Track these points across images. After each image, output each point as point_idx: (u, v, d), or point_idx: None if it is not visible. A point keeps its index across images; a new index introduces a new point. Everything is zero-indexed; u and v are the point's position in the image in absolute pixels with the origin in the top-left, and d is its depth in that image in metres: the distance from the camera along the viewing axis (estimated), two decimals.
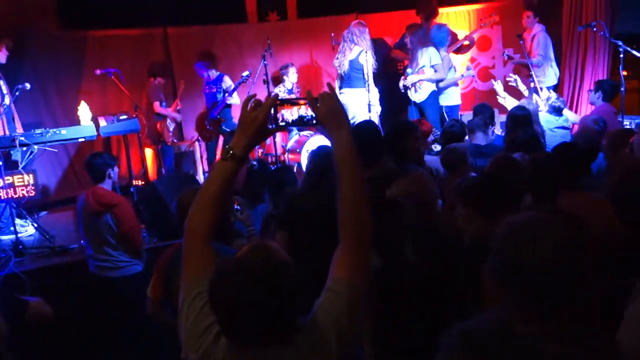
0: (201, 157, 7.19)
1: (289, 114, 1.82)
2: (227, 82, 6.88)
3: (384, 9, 8.15)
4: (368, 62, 6.40)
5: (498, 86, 6.01)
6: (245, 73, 6.74)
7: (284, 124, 1.81)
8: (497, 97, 6.05)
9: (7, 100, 5.68)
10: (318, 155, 3.63)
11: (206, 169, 7.12)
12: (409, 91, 6.82)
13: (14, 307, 2.67)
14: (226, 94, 6.77)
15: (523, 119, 4.66)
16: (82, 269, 4.81)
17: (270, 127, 1.73)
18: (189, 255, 1.63)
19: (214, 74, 6.87)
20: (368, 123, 4.07)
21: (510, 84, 6.33)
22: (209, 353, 1.49)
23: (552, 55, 7.01)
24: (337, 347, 1.46)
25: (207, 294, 1.53)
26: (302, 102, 1.80)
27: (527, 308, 1.36)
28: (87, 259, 4.27)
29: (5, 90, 5.72)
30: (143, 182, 6.53)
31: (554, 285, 1.33)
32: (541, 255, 1.32)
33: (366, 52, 6.40)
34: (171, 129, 6.91)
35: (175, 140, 7.05)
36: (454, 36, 7.41)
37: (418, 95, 6.78)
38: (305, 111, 1.80)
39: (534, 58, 6.81)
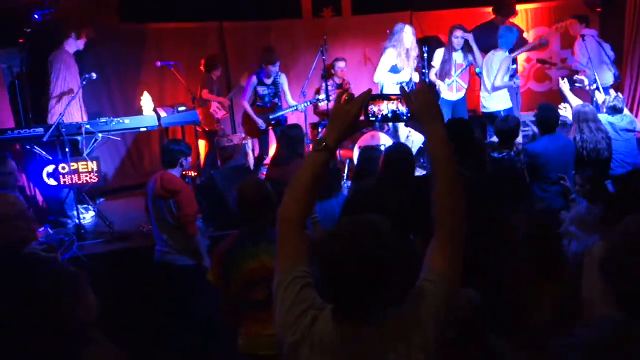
0: (253, 150, 7.27)
1: (379, 108, 1.84)
2: (285, 81, 6.72)
3: (439, 6, 8.09)
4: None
5: (565, 86, 5.89)
6: (322, 97, 6.79)
7: (374, 118, 1.83)
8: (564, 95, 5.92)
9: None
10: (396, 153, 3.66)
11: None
12: (447, 91, 6.72)
13: None
14: (299, 107, 6.68)
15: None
16: (140, 255, 4.96)
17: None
18: (284, 243, 1.67)
19: (273, 71, 6.54)
20: (462, 120, 4.09)
21: (577, 85, 6.22)
22: (305, 336, 1.54)
23: (605, 57, 6.84)
24: (435, 333, 1.51)
25: (303, 279, 1.60)
26: (393, 97, 1.81)
27: None
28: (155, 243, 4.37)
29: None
30: (196, 174, 6.65)
31: None
32: None
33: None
34: (217, 116, 6.96)
35: (223, 127, 7.14)
36: (522, 40, 7.27)
37: (457, 95, 6.72)
38: (397, 106, 1.81)
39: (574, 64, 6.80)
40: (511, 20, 7.29)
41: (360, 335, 1.51)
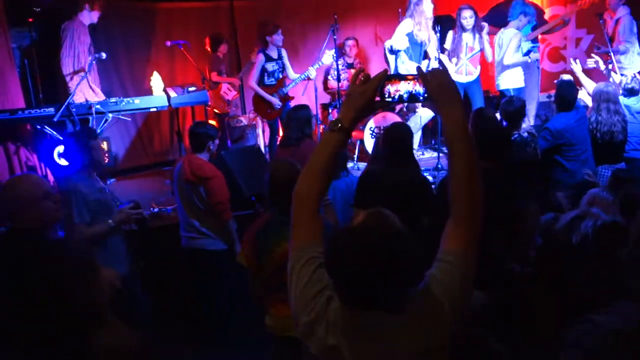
0: (263, 131, 7.23)
1: (395, 88, 1.81)
2: (286, 54, 6.71)
3: None
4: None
5: (577, 67, 5.77)
6: (314, 71, 6.63)
7: (390, 99, 1.80)
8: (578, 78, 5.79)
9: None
10: (396, 132, 3.64)
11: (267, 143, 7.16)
12: (455, 73, 6.56)
13: None
14: (310, 73, 6.57)
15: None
16: (151, 235, 4.97)
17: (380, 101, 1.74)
18: (299, 223, 1.66)
19: (277, 40, 6.51)
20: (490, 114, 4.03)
21: (590, 65, 6.10)
22: (320, 316, 1.54)
23: (636, 39, 6.69)
24: (450, 316, 1.50)
25: (317, 259, 1.58)
26: (410, 77, 1.78)
27: None
28: (180, 231, 4.30)
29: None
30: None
31: None
32: None
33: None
34: (228, 97, 6.92)
35: (234, 109, 7.10)
36: (541, 17, 7.13)
37: (468, 77, 6.58)
38: (413, 87, 1.78)
39: (621, 45, 6.46)
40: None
41: (373, 322, 1.50)
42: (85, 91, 5.80)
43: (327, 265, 1.51)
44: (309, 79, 6.66)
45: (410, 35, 6.40)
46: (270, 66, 6.58)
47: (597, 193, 2.75)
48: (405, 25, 6.42)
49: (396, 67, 6.51)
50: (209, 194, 3.98)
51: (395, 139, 3.56)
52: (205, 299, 4.22)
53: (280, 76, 6.65)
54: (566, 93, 4.83)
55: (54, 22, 6.09)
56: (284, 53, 6.67)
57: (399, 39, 6.42)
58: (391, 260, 1.43)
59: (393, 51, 6.48)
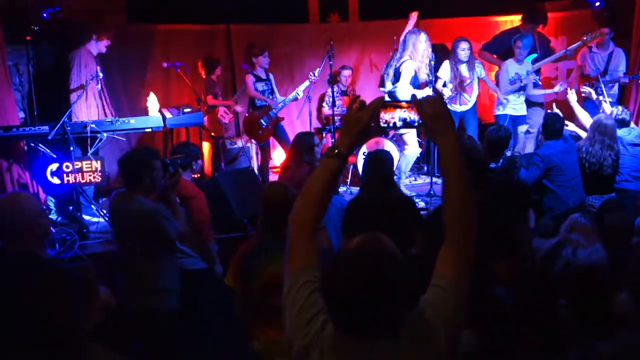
0: (257, 153, 7.26)
1: (390, 116, 1.84)
2: (273, 78, 6.81)
3: (445, 14, 8.09)
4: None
5: (572, 97, 5.88)
6: (301, 92, 6.69)
7: (385, 125, 1.83)
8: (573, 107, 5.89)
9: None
10: (378, 159, 3.69)
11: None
12: (451, 103, 6.66)
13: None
14: (298, 94, 6.65)
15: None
16: None
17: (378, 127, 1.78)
18: (295, 247, 1.68)
19: (264, 62, 6.63)
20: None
21: (583, 95, 6.22)
22: (315, 340, 1.53)
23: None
24: (445, 340, 1.51)
25: (312, 283, 1.59)
26: (404, 104, 1.82)
27: None
28: None
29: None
30: (198, 175, 6.62)
31: None
32: None
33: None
34: (225, 120, 6.95)
35: (229, 131, 7.14)
36: (547, 47, 7.27)
37: (463, 107, 6.70)
38: (408, 114, 1.82)
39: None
40: (538, 30, 7.33)
41: (368, 347, 1.50)
42: (93, 111, 5.86)
43: (322, 291, 1.53)
44: (296, 99, 6.72)
45: (413, 78, 6.35)
46: (260, 86, 6.64)
47: (576, 219, 2.79)
48: (409, 69, 6.21)
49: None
50: (191, 212, 4.01)
51: (374, 166, 3.62)
52: (188, 318, 4.19)
53: (270, 97, 6.70)
54: (552, 125, 4.97)
55: (52, 41, 6.13)
56: (271, 77, 6.73)
57: (406, 90, 6.17)
58: (385, 285, 1.44)
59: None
